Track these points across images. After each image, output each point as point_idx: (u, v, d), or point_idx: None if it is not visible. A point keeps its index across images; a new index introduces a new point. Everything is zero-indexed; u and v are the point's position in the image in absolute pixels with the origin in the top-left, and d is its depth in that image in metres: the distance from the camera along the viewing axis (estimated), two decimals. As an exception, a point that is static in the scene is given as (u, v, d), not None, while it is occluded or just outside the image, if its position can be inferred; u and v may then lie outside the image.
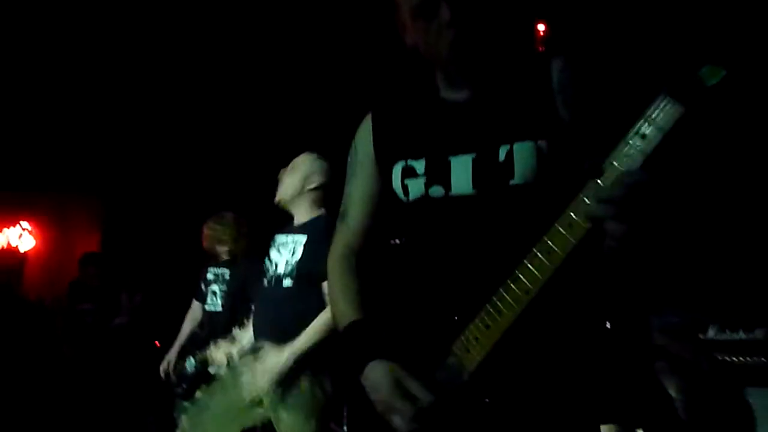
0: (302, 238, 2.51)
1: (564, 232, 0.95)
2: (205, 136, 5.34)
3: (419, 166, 1.20)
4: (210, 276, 3.64)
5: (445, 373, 1.08)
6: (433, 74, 1.27)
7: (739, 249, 3.85)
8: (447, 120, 1.21)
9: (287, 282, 2.46)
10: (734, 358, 3.02)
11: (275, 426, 2.47)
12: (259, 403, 2.46)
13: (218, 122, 5.19)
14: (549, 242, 0.97)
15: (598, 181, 0.91)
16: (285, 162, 2.74)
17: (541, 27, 4.37)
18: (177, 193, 5.66)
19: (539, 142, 1.11)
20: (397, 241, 1.35)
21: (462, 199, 1.15)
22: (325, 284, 2.36)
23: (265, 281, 2.57)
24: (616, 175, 0.89)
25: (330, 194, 2.62)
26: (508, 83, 1.18)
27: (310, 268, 2.41)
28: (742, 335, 3.09)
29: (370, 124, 1.33)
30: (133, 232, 5.93)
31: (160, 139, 5.53)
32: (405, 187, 1.22)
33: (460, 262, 1.15)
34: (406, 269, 1.27)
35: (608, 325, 3.38)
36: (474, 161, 1.15)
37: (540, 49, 4.39)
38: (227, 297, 3.55)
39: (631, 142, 0.89)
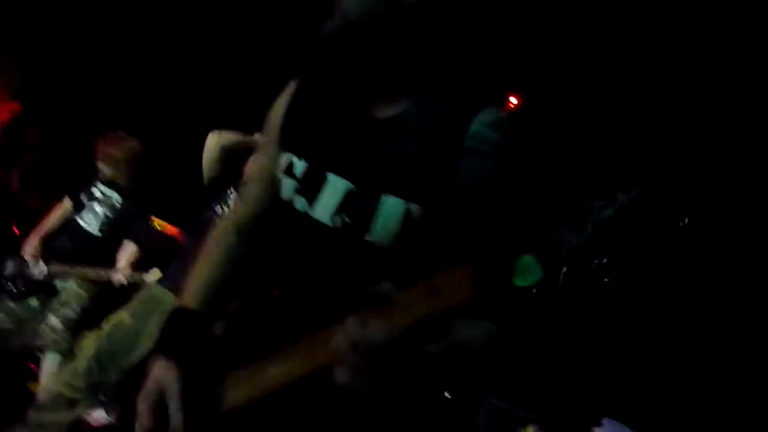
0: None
1: (319, 351, 0.88)
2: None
3: (299, 167, 1.11)
4: (97, 193, 3.44)
5: (211, 395, 1.05)
6: None
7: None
8: (350, 129, 1.10)
9: None
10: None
11: None
12: None
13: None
14: (306, 350, 0.91)
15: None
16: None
17: (513, 99, 4.44)
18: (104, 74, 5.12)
19: (412, 205, 1.00)
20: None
21: (317, 224, 1.06)
22: None
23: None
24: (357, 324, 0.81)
25: None
26: (419, 123, 1.05)
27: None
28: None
29: (290, 96, 1.20)
30: (53, 102, 5.41)
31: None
32: (281, 182, 1.13)
33: (287, 288, 1.10)
34: (256, 269, 1.22)
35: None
36: (347, 193, 1.05)
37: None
38: (109, 225, 3.41)
39: None
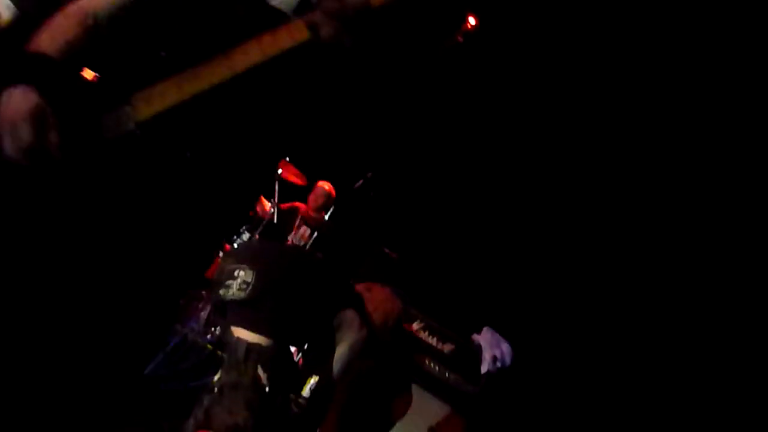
0: None
1: (284, 35, 1.14)
2: None
3: None
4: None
5: (112, 118, 1.05)
6: None
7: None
8: None
9: None
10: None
11: None
12: None
13: None
14: (269, 38, 1.13)
15: None
16: None
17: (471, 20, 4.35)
18: None
19: None
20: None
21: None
22: None
23: None
24: None
25: None
26: None
27: None
28: (434, 341, 3.40)
29: None
30: None
31: None
32: None
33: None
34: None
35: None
36: None
37: (459, 39, 4.41)
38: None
39: None
